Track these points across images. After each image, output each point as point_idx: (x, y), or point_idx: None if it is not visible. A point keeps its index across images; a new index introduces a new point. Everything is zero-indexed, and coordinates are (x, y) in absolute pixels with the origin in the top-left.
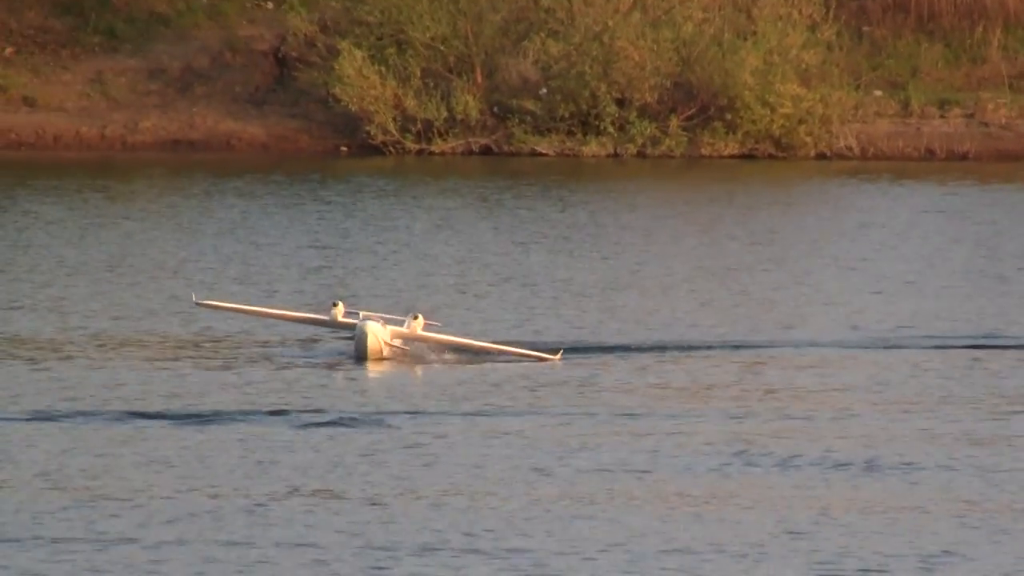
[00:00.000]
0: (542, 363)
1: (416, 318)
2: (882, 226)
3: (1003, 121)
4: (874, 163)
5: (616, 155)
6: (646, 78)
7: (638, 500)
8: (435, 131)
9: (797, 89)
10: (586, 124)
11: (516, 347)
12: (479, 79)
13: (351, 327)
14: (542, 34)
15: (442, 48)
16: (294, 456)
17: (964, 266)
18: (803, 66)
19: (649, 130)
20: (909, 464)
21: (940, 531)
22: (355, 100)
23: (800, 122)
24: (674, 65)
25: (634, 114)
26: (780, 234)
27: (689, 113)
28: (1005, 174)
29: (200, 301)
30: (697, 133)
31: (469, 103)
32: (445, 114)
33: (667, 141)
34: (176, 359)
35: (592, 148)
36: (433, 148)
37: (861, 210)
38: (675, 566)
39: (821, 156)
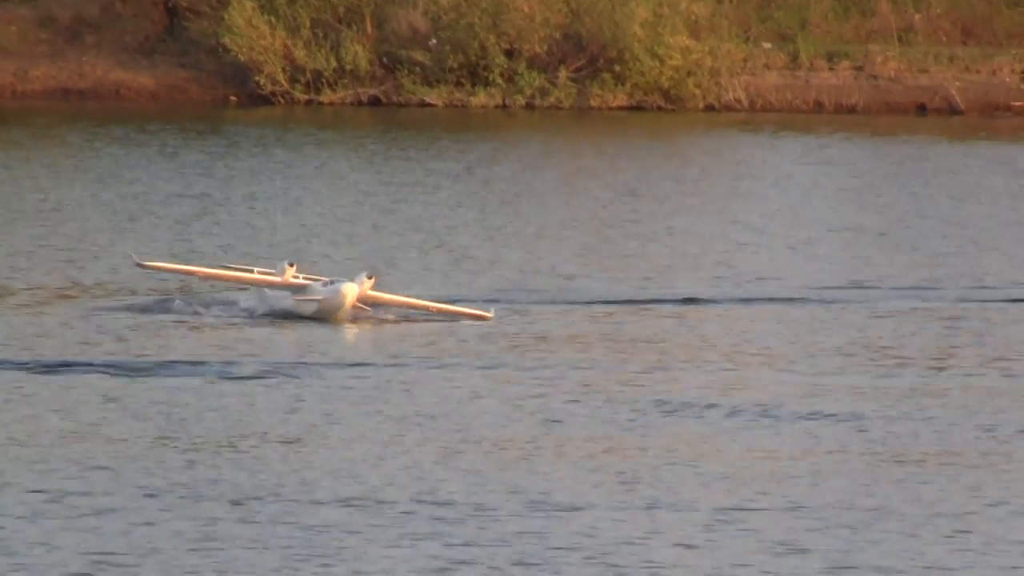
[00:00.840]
0: (479, 321)
1: (370, 278)
2: (761, 178)
3: (892, 74)
4: (762, 115)
5: (505, 106)
6: (535, 29)
7: (504, 449)
8: (324, 81)
9: (686, 41)
10: (475, 75)
11: (452, 307)
12: (369, 29)
13: (303, 288)
14: None
15: None
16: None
17: (839, 218)
18: (692, 18)
19: (538, 81)
20: (768, 412)
21: (801, 477)
22: (244, 50)
23: (689, 74)
24: (563, 16)
25: (523, 65)
26: (660, 185)
27: (578, 65)
28: (892, 126)
29: (142, 262)
30: (586, 84)
31: (358, 53)
32: (334, 64)
33: (556, 92)
34: (41, 308)
35: (480, 99)
36: (322, 98)
37: (743, 162)
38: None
39: (710, 108)
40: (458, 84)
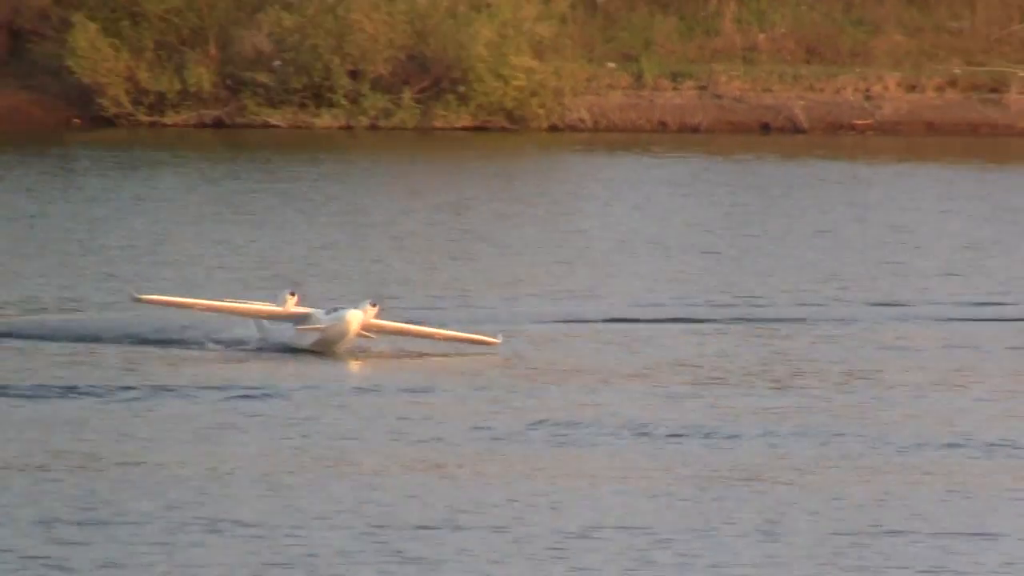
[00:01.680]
0: (488, 344)
1: (374, 305)
2: (596, 198)
3: (736, 93)
4: (606, 135)
5: (349, 127)
6: (379, 51)
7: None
8: (168, 103)
9: (530, 62)
10: (319, 96)
11: (461, 334)
12: (213, 51)
13: (305, 317)
14: (276, 7)
15: (176, 20)
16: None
17: (667, 236)
18: (537, 39)
19: (382, 102)
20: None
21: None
22: (88, 72)
23: (533, 94)
24: (408, 38)
25: (367, 86)
26: (487, 205)
27: (423, 86)
28: (734, 146)
29: (139, 296)
30: (430, 105)
31: (202, 75)
32: (178, 86)
33: (400, 113)
34: None
35: (324, 120)
36: (166, 120)
37: (577, 181)
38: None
39: (553, 128)
40: (302, 105)
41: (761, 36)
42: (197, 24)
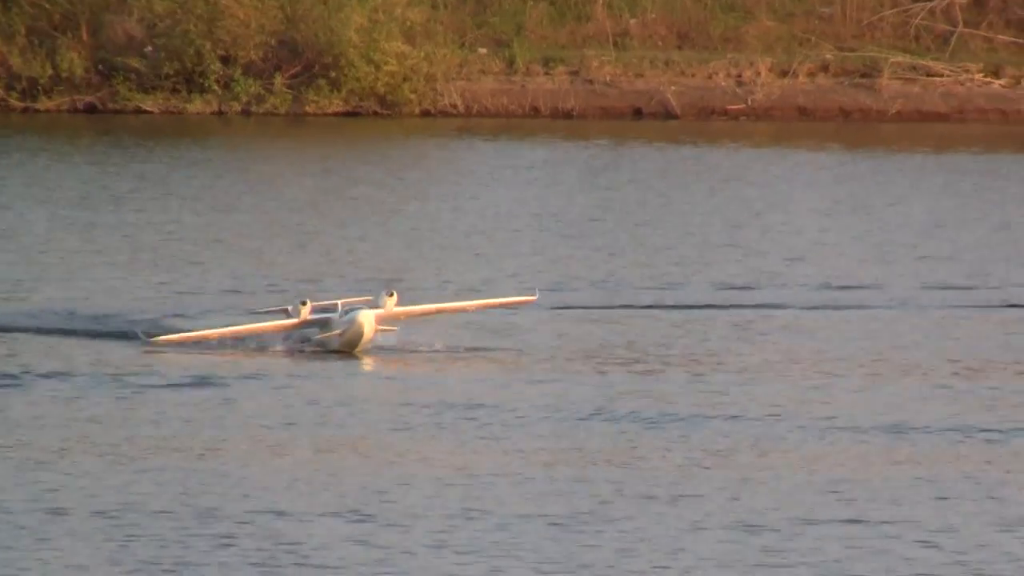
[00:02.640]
0: (524, 304)
1: (391, 295)
2: (456, 183)
3: (607, 79)
4: (478, 120)
5: (221, 112)
6: (251, 36)
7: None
8: (40, 88)
9: (402, 47)
10: (191, 82)
11: (493, 300)
12: (85, 36)
13: (324, 322)
14: None
15: (47, 5)
16: None
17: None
18: (408, 24)
19: (254, 88)
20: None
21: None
22: None
23: (405, 79)
24: (279, 23)
25: (239, 72)
26: (351, 192)
27: (294, 71)
28: (606, 131)
29: (152, 340)
30: (302, 91)
31: (74, 60)
32: (50, 71)
33: (272, 99)
34: None
35: (196, 106)
36: (38, 106)
37: (442, 167)
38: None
39: (426, 113)
40: (174, 91)
41: (632, 21)
42: (68, 9)
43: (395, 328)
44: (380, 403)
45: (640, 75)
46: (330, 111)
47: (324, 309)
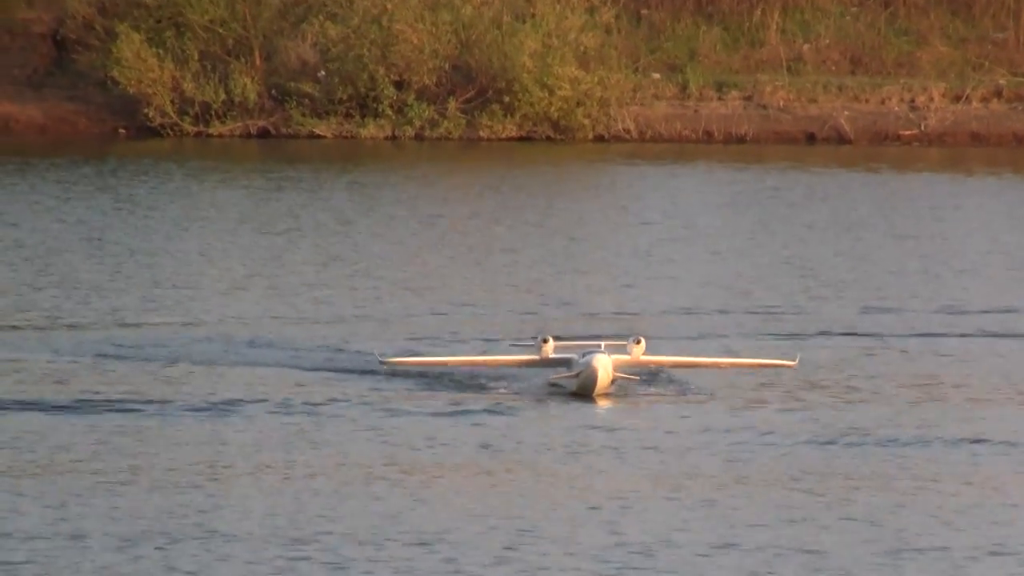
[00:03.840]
0: (782, 367)
1: (638, 343)
2: (643, 208)
3: (781, 104)
4: (652, 145)
5: (394, 137)
6: (425, 61)
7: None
8: (213, 113)
9: (575, 72)
10: (364, 107)
11: (749, 360)
12: (258, 62)
13: (565, 363)
14: (321, 16)
15: (220, 31)
16: None
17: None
18: (582, 49)
19: (427, 113)
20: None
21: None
22: (133, 83)
23: (578, 104)
24: (453, 48)
25: (412, 96)
26: (543, 219)
27: (468, 96)
28: (783, 156)
29: (385, 360)
30: (475, 116)
31: (247, 85)
32: (223, 96)
33: (445, 123)
34: None
35: (370, 130)
36: (211, 131)
37: (626, 192)
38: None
39: (599, 138)
40: (347, 116)
41: (805, 47)
42: (241, 34)
43: (637, 377)
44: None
45: (813, 100)
46: (503, 136)
47: (585, 350)
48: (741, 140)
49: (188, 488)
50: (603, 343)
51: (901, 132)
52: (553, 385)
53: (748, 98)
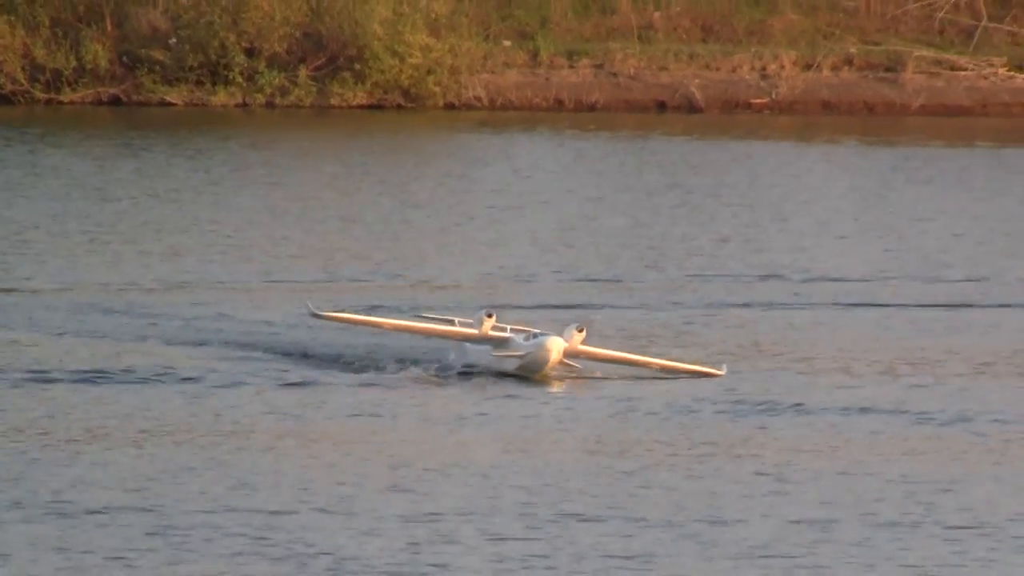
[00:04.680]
0: (710, 378)
1: (580, 330)
2: (491, 175)
3: (632, 72)
4: (502, 113)
5: (245, 105)
6: (276, 28)
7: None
8: (64, 80)
9: (426, 39)
10: (215, 74)
11: (681, 363)
12: (109, 28)
13: (503, 341)
14: None
15: None
16: None
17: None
18: (433, 16)
19: (278, 80)
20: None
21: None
22: None
23: (429, 72)
24: (304, 15)
25: (263, 64)
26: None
27: (319, 63)
28: (633, 124)
29: (318, 312)
30: (326, 83)
31: (98, 52)
32: (74, 63)
33: (296, 91)
34: None
35: (221, 98)
36: (63, 98)
37: (475, 162)
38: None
39: (450, 106)
40: (198, 83)
41: (657, 15)
42: (93, 1)
43: (577, 365)
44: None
45: (664, 68)
46: (354, 103)
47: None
48: (592, 108)
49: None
50: (457, 319)
51: (752, 100)
52: (485, 365)
53: (599, 66)
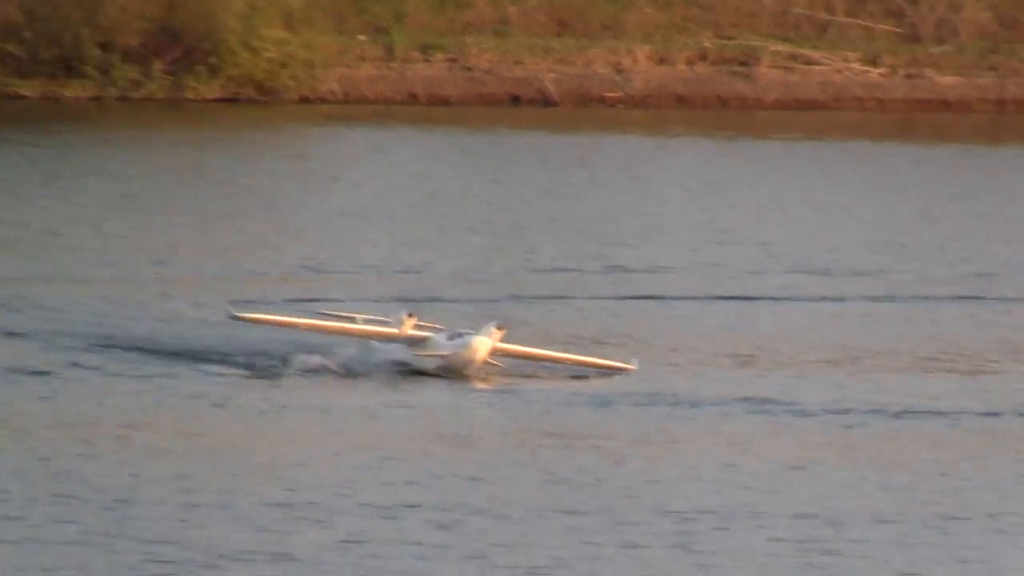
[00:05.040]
0: (621, 372)
1: (500, 329)
2: (329, 170)
3: (486, 66)
4: (356, 107)
5: (99, 98)
6: (130, 22)
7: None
8: None
9: (281, 33)
10: (69, 67)
11: (593, 359)
12: None
13: (423, 341)
14: None
15: None
16: None
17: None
18: (287, 10)
19: (132, 73)
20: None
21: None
22: None
23: (283, 66)
24: (158, 9)
25: (117, 57)
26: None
27: (173, 57)
28: (486, 118)
29: (237, 315)
30: (180, 77)
31: None
32: None
33: (149, 84)
34: None
35: (74, 91)
36: None
37: (326, 157)
38: None
39: (304, 100)
40: (52, 76)
41: (512, 9)
42: None
43: (499, 364)
44: None
45: (519, 62)
46: (208, 97)
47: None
48: (445, 102)
49: None
50: (360, 316)
51: (606, 94)
52: (404, 363)
53: (453, 60)
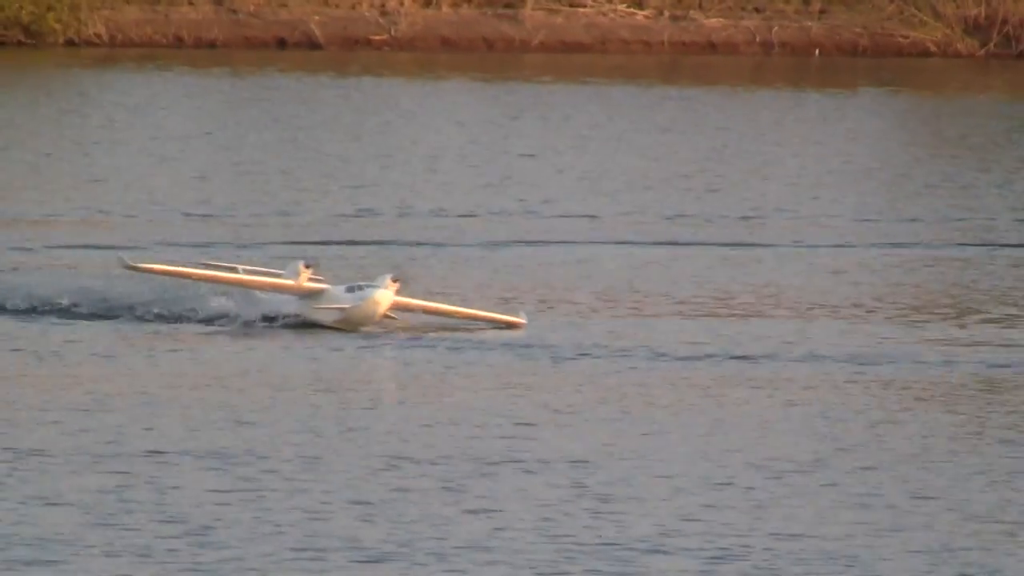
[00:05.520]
0: (513, 327)
1: (396, 281)
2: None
3: (251, 9)
4: (123, 51)
5: None
6: None
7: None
8: None
9: None
10: None
11: (486, 312)
12: None
13: (320, 293)
14: None
15: None
16: None
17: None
18: None
19: None
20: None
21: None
22: None
23: (49, 9)
24: None
25: None
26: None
27: None
28: (251, 61)
29: (132, 265)
30: None
31: None
32: None
33: None
34: None
35: None
36: None
37: (91, 101)
38: None
39: (70, 43)
40: None
41: None
42: None
43: (396, 317)
44: None
45: (284, 5)
46: None
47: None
48: (211, 45)
49: None
50: (241, 267)
51: (372, 37)
52: (298, 314)
53: (219, 3)
